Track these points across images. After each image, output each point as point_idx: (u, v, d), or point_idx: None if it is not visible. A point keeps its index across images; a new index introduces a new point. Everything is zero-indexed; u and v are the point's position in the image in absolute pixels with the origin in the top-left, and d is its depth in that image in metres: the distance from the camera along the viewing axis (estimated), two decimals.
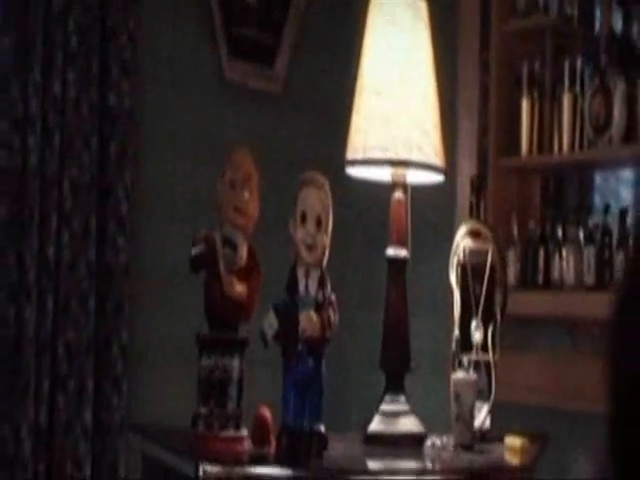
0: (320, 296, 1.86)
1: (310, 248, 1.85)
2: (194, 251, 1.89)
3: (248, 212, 1.93)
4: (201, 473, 1.81)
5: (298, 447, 1.86)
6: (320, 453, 1.89)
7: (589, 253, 2.86)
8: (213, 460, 1.83)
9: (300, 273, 1.86)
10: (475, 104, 3.35)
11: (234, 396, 1.92)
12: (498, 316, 2.29)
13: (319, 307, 1.85)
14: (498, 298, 2.31)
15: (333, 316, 1.87)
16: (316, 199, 1.87)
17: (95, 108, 3.12)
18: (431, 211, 2.78)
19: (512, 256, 3.08)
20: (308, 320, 1.82)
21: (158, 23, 3.26)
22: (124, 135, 3.11)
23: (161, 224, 3.02)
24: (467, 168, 3.26)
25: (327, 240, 1.86)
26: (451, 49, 3.21)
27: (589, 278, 2.84)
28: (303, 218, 1.87)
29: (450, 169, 2.46)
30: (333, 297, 1.88)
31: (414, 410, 2.18)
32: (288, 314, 1.81)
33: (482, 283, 2.28)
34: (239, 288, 1.92)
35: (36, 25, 3.07)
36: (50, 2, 3.07)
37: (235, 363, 1.92)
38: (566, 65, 3.02)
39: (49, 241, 3.01)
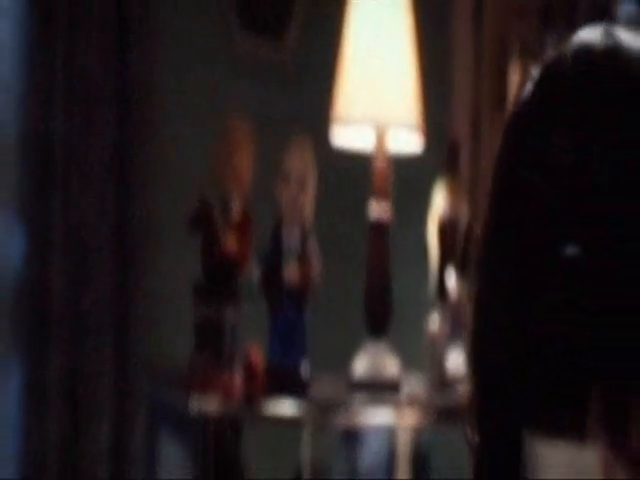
0: (302, 249, 2.09)
1: (293, 205, 2.08)
2: (190, 211, 2.13)
3: (241, 174, 2.17)
4: (196, 410, 2.07)
5: (283, 385, 2.11)
6: (303, 390, 2.14)
7: None
8: (208, 398, 2.09)
9: (284, 228, 2.09)
10: (469, 64, 3.57)
11: (227, 341, 2.17)
12: (472, 265, 2.53)
13: (302, 259, 2.08)
14: (473, 249, 2.55)
15: (315, 266, 2.09)
16: (299, 161, 2.10)
17: (114, 77, 3.39)
18: (422, 175, 3.01)
19: None
20: (291, 270, 2.05)
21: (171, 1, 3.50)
22: (142, 104, 3.38)
23: (174, 189, 3.28)
24: (461, 129, 3.50)
25: (309, 198, 2.08)
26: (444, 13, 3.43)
27: None
28: (287, 178, 2.09)
29: (441, 131, 2.69)
30: (315, 249, 2.10)
31: (394, 354, 2.42)
32: (273, 265, 2.04)
33: (457, 237, 2.52)
34: (232, 242, 2.17)
35: None
36: None
37: (229, 311, 2.17)
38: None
39: (73, 202, 3.30)
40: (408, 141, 2.51)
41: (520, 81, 3.48)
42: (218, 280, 2.14)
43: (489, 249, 0.80)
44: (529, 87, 0.80)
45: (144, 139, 3.35)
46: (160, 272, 3.14)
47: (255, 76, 3.46)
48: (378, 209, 2.42)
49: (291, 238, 2.09)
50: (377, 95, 2.42)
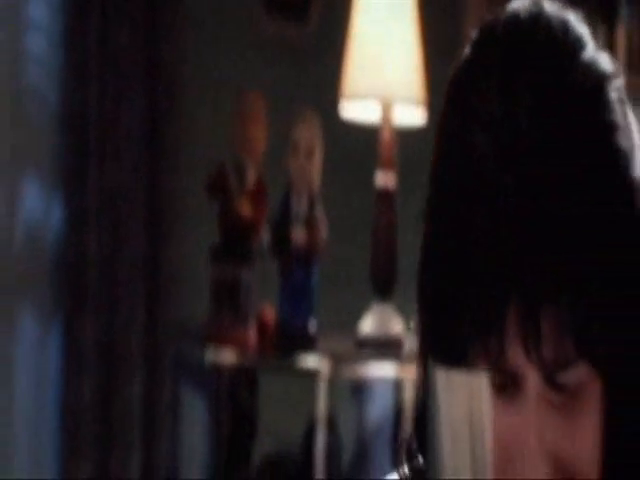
0: (310, 214, 2.27)
1: (301, 174, 2.26)
2: (208, 179, 2.32)
3: (256, 145, 2.36)
4: (214, 362, 2.27)
5: (292, 340, 2.30)
6: (311, 345, 2.33)
7: None
8: (224, 351, 2.29)
9: (293, 195, 2.27)
10: None
11: (242, 300, 2.36)
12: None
13: (309, 223, 2.26)
14: None
15: (321, 231, 2.27)
16: (308, 133, 2.27)
17: (145, 53, 3.58)
18: (426, 146, 3.17)
19: None
20: (299, 233, 2.23)
21: None
22: (170, 80, 3.57)
23: (195, 159, 3.47)
24: None
25: (316, 167, 2.26)
26: None
27: None
28: (296, 149, 2.27)
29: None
30: (321, 215, 2.28)
31: (399, 314, 2.59)
32: (282, 229, 2.23)
33: None
34: (247, 208, 2.36)
35: None
36: None
37: (244, 272, 2.36)
38: None
39: (107, 172, 3.51)
40: (412, 114, 2.67)
41: None
42: (234, 243, 2.33)
43: (435, 187, 0.87)
44: (467, 48, 0.87)
45: (171, 112, 3.54)
46: (182, 236, 3.33)
47: (275, 56, 3.62)
48: (384, 178, 2.58)
49: (299, 204, 2.27)
50: (383, 72, 2.59)
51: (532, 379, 0.83)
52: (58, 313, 3.53)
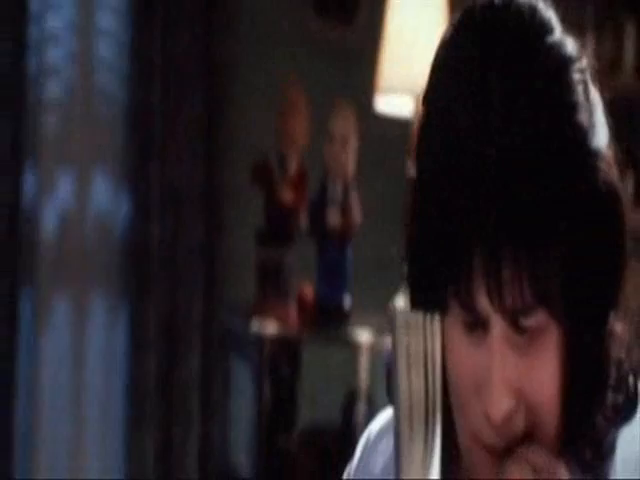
0: (344, 199, 2.51)
1: (337, 162, 2.50)
2: (254, 168, 2.58)
3: (297, 136, 2.61)
4: (259, 334, 2.52)
5: (328, 315, 2.55)
6: (345, 319, 2.57)
7: None
8: (268, 325, 2.54)
9: (329, 181, 2.52)
10: None
11: (284, 278, 2.62)
12: None
13: (344, 208, 2.50)
14: None
15: (355, 214, 2.52)
16: (342, 123, 2.51)
17: (203, 56, 3.79)
18: None
19: None
20: (334, 217, 2.48)
21: None
22: (226, 84, 3.81)
23: (243, 152, 3.70)
24: None
25: (351, 156, 2.50)
26: None
27: None
28: (332, 139, 2.52)
29: None
30: (355, 200, 2.52)
31: None
32: (319, 213, 2.48)
33: None
34: (289, 195, 2.61)
35: None
36: None
37: (285, 252, 2.62)
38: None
39: (168, 167, 3.76)
40: None
41: None
42: (277, 227, 2.59)
43: (419, 156, 0.98)
44: (447, 30, 0.95)
45: (226, 110, 3.76)
46: (232, 223, 3.58)
47: (320, 55, 3.81)
48: (413, 170, 2.81)
49: (335, 190, 2.51)
50: (414, 68, 2.79)
51: (496, 323, 0.90)
52: (125, 296, 3.79)
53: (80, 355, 3.76)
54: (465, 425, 0.93)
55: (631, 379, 0.95)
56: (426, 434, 0.85)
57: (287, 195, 2.58)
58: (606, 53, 3.36)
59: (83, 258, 3.78)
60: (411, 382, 0.86)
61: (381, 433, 1.08)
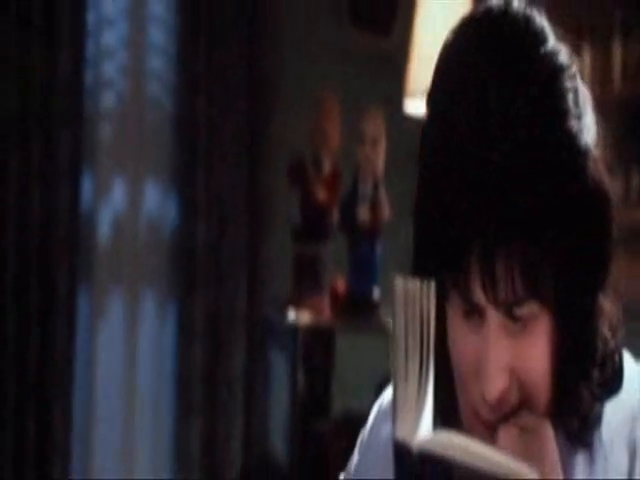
0: (374, 197, 2.71)
1: (367, 162, 2.70)
2: (290, 169, 2.79)
3: (331, 138, 2.82)
4: (294, 324, 2.72)
5: (359, 306, 2.75)
6: (375, 310, 2.78)
7: None
8: (304, 315, 2.74)
9: (360, 180, 2.73)
10: None
11: (318, 271, 2.83)
12: None
13: (373, 205, 2.70)
14: None
15: (384, 211, 2.72)
16: (372, 125, 2.71)
17: (245, 68, 4.00)
18: None
19: None
20: (364, 213, 2.69)
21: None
22: (266, 93, 4.01)
23: (281, 156, 3.84)
24: None
25: (380, 156, 2.70)
26: None
27: None
28: (363, 140, 2.72)
29: None
30: (384, 197, 2.72)
31: None
32: (350, 210, 2.69)
33: None
34: (323, 193, 2.83)
35: (202, 3, 3.99)
36: None
37: (319, 247, 2.83)
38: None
39: (213, 172, 3.95)
40: None
41: (593, 60, 3.73)
42: (312, 224, 2.81)
43: (423, 153, 1.00)
44: (449, 35, 1.01)
45: (267, 117, 3.96)
46: (272, 221, 3.77)
47: (356, 63, 3.92)
48: None
49: (365, 188, 2.71)
50: None
51: (491, 312, 0.96)
52: (173, 293, 3.99)
53: (132, 348, 3.97)
54: (466, 402, 1.00)
55: (616, 356, 1.01)
56: (419, 381, 0.90)
57: (321, 194, 2.80)
58: (635, 56, 3.43)
59: (135, 258, 4.00)
60: (407, 340, 0.90)
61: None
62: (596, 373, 0.99)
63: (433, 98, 1.01)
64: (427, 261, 0.98)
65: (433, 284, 0.90)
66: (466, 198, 0.93)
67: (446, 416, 0.99)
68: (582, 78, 0.98)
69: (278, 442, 3.52)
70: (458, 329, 0.98)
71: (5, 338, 3.65)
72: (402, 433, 0.89)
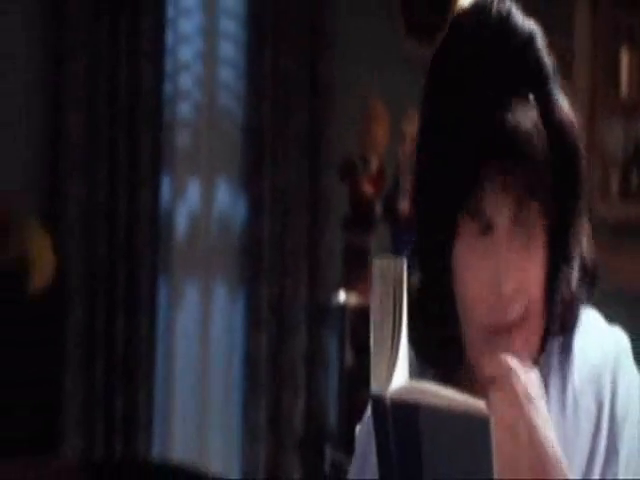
0: None
1: (408, 160, 3.02)
2: (340, 168, 3.15)
3: (378, 140, 3.18)
4: (343, 304, 3.04)
5: None
6: None
7: None
8: (352, 297, 3.08)
9: (401, 176, 3.08)
10: (586, 52, 4.03)
11: (365, 258, 3.20)
12: None
13: None
14: None
15: None
16: (412, 126, 3.01)
17: (307, 76, 4.31)
18: None
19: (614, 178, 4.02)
20: (405, 206, 3.04)
21: (348, 8, 4.30)
22: (325, 100, 4.32)
23: (335, 155, 4.09)
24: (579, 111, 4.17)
25: None
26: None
27: None
28: (403, 139, 3.08)
29: None
30: None
31: None
32: (393, 203, 3.05)
33: None
34: (370, 188, 3.21)
35: (268, 20, 4.33)
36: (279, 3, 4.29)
37: (366, 237, 3.21)
38: None
39: (279, 174, 4.28)
40: None
41: (630, 67, 3.95)
42: (359, 216, 3.18)
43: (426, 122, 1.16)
44: (445, 30, 1.16)
45: (325, 122, 4.26)
46: (326, 214, 4.10)
47: (408, 71, 4.01)
48: None
49: (406, 183, 3.07)
50: None
51: (501, 219, 1.10)
52: (242, 282, 4.31)
53: (206, 331, 4.29)
54: (473, 329, 1.12)
55: (590, 269, 1.18)
56: (392, 341, 0.98)
57: (368, 188, 3.18)
58: None
59: (208, 251, 4.32)
60: (383, 307, 1.00)
61: None
62: (576, 280, 1.15)
63: (430, 89, 1.19)
64: (434, 194, 1.12)
65: (404, 260, 1.02)
66: (474, 133, 1.09)
67: (451, 358, 1.14)
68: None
69: (332, 413, 3.76)
70: (470, 255, 1.11)
71: (94, 324, 4.01)
72: (376, 385, 0.97)
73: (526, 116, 1.11)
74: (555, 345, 1.17)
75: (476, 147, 1.09)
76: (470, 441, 0.93)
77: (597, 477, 1.14)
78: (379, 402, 0.96)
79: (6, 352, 3.55)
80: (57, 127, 4.01)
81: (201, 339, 4.29)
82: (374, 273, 1.03)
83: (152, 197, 4.16)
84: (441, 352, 1.16)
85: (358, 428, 1.27)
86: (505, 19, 1.14)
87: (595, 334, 1.19)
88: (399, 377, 0.97)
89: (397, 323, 0.99)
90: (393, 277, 1.01)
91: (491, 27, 1.13)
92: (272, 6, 4.31)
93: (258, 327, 4.28)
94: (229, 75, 4.40)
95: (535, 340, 1.14)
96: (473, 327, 1.12)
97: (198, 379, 4.29)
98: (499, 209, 1.10)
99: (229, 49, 4.41)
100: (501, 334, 1.11)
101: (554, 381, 1.16)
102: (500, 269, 1.10)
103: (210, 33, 4.36)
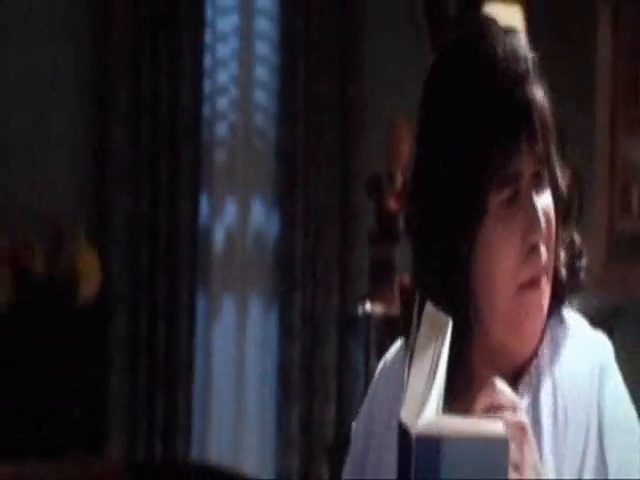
0: None
1: None
2: (367, 180, 3.33)
3: (403, 157, 3.37)
4: (369, 314, 3.20)
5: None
6: None
7: None
8: (378, 307, 3.26)
9: None
10: (609, 67, 4.11)
11: (391, 270, 3.39)
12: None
13: None
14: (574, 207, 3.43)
15: None
16: None
17: (338, 98, 4.50)
18: None
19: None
20: None
21: (377, 32, 4.48)
22: (355, 120, 4.51)
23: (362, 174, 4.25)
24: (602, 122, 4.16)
25: None
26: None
27: None
28: None
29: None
30: None
31: None
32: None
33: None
34: (395, 204, 3.41)
35: (300, 45, 4.51)
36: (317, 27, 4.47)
37: (392, 250, 3.40)
38: None
39: (310, 192, 4.45)
40: None
41: None
42: (384, 229, 3.38)
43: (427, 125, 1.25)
44: (435, 57, 1.23)
45: (355, 141, 4.43)
46: (355, 230, 4.27)
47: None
48: None
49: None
50: None
51: (526, 175, 1.17)
52: (276, 294, 4.47)
53: (242, 341, 4.46)
54: (500, 298, 1.18)
55: (579, 249, 1.26)
56: (430, 375, 1.03)
57: (393, 204, 3.37)
58: None
59: (244, 265, 4.49)
60: (426, 349, 1.06)
61: (393, 363, 1.29)
62: (571, 247, 1.24)
63: (424, 109, 1.27)
64: (463, 177, 1.18)
65: (450, 321, 1.06)
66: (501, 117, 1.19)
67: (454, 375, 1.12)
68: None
69: None
70: (500, 224, 1.18)
71: (137, 332, 4.19)
72: (406, 416, 1.01)
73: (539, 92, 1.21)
74: (546, 353, 1.21)
75: (508, 119, 1.18)
76: (488, 465, 0.97)
77: None
78: (405, 433, 1.00)
79: (57, 358, 3.74)
80: (103, 147, 4.21)
81: (237, 348, 4.44)
82: (425, 318, 1.09)
83: (192, 213, 4.34)
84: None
85: (354, 426, 1.32)
86: (492, 57, 1.19)
87: (582, 341, 1.23)
88: (428, 412, 0.99)
89: (436, 365, 1.03)
90: (439, 327, 1.05)
91: (476, 66, 1.20)
92: (304, 32, 4.49)
93: (291, 337, 4.44)
94: (263, 97, 4.57)
95: (546, 306, 1.20)
96: (501, 296, 1.17)
97: (234, 385, 4.43)
98: (525, 171, 1.19)
99: (263, 73, 4.57)
100: (533, 287, 1.18)
101: (546, 387, 1.19)
102: (529, 220, 1.17)
103: (245, 58, 4.54)
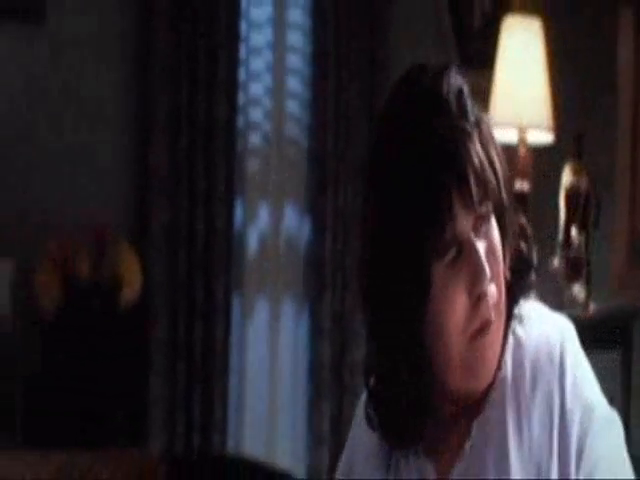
0: None
1: None
2: None
3: None
4: None
5: None
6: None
7: None
8: None
9: None
10: (630, 77, 4.11)
11: None
12: (590, 226, 3.39)
13: None
14: (592, 213, 3.39)
15: None
16: None
17: (367, 105, 4.58)
18: (555, 161, 3.58)
19: None
20: None
21: (405, 44, 4.56)
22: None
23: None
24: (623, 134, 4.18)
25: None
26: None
27: None
28: None
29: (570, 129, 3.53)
30: None
31: None
32: None
33: (579, 203, 3.35)
34: None
35: (330, 57, 4.61)
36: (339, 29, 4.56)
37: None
38: None
39: (340, 197, 4.57)
40: (542, 137, 3.46)
41: None
42: None
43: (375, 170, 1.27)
44: (389, 90, 1.22)
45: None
46: None
47: None
48: (521, 184, 3.39)
49: None
50: (519, 104, 3.37)
51: (466, 232, 1.18)
52: (307, 296, 4.56)
53: (274, 342, 4.54)
54: (453, 349, 1.21)
55: (527, 254, 1.29)
56: None
57: None
58: None
59: (277, 268, 4.57)
60: None
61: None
62: (518, 255, 1.27)
63: (377, 142, 1.30)
64: (405, 247, 1.20)
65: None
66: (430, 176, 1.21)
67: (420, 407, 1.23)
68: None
69: None
70: (447, 281, 1.20)
71: (176, 335, 4.32)
72: None
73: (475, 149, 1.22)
74: (509, 343, 1.26)
75: (442, 189, 1.18)
76: None
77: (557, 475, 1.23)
78: None
79: (101, 360, 3.88)
80: (144, 158, 4.35)
81: (270, 348, 4.51)
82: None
83: (227, 219, 4.41)
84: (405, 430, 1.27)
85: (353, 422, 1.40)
86: (413, 126, 1.20)
87: (540, 324, 1.27)
88: None
89: None
90: None
91: (399, 141, 1.22)
92: (334, 44, 4.61)
93: (321, 337, 4.52)
94: (295, 108, 4.65)
95: (499, 341, 1.25)
96: (454, 349, 1.21)
97: (268, 384, 4.52)
98: (464, 230, 1.20)
99: (295, 84, 4.65)
100: (484, 332, 1.22)
101: (512, 373, 1.25)
102: (474, 272, 1.19)
103: (278, 69, 4.61)
